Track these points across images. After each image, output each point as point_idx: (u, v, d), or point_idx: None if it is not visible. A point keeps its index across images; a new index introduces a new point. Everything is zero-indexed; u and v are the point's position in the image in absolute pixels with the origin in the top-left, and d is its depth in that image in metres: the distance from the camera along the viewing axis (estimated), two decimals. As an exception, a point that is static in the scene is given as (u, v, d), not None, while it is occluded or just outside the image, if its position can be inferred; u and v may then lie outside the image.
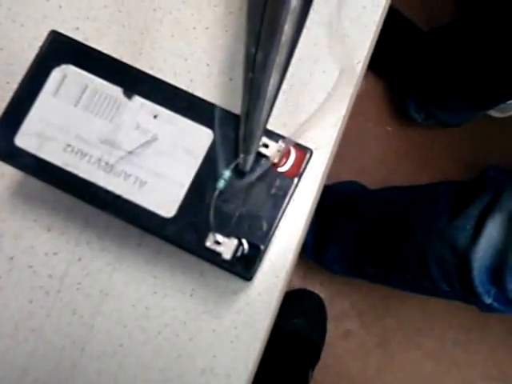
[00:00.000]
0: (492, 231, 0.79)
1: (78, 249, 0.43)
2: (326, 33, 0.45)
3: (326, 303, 1.22)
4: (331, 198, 1.16)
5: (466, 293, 0.84)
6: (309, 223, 0.43)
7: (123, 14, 0.45)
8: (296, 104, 0.43)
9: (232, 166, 0.33)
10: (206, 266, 0.42)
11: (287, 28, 0.32)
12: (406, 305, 1.23)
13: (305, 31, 0.41)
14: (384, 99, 1.32)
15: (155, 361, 0.42)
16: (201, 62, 0.44)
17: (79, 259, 0.43)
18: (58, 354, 0.42)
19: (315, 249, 1.15)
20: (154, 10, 0.46)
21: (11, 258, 0.43)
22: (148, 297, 0.42)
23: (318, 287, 1.24)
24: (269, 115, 0.33)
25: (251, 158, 0.33)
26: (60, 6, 0.46)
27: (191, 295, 0.42)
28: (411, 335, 1.22)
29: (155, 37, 0.45)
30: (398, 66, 1.28)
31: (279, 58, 0.32)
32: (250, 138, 0.33)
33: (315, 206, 0.44)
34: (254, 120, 0.33)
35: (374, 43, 0.45)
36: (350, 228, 1.09)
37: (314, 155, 0.41)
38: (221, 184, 0.33)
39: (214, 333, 0.42)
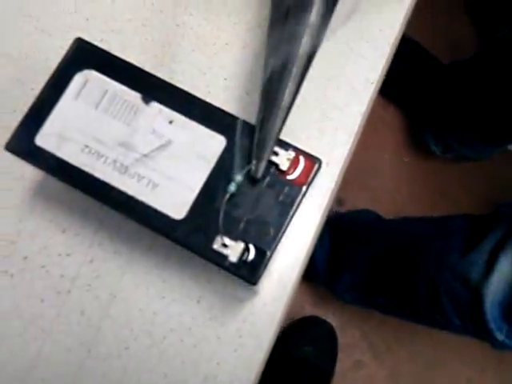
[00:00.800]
0: (504, 266, 0.79)
1: (90, 250, 0.44)
2: (342, 52, 0.46)
3: (337, 332, 1.21)
4: (346, 225, 1.17)
5: (477, 328, 0.83)
6: (317, 238, 0.44)
7: (147, 27, 0.47)
8: (309, 120, 0.45)
9: (244, 171, 0.34)
10: (214, 273, 0.43)
11: (305, 41, 0.33)
12: (418, 337, 1.21)
13: (321, 49, 0.43)
14: (403, 130, 1.33)
15: (159, 366, 0.42)
16: (219, 76, 0.46)
17: (91, 261, 0.44)
18: (65, 354, 0.43)
19: (328, 276, 1.15)
20: (177, 25, 0.47)
21: (25, 258, 0.44)
22: (156, 301, 0.43)
23: (330, 316, 1.23)
24: (283, 124, 0.35)
25: (263, 164, 0.34)
26: (87, 19, 0.48)
27: (198, 301, 0.43)
28: (422, 369, 1.20)
29: (176, 50, 0.46)
30: (418, 98, 1.29)
31: (296, 70, 0.33)
32: (263, 145, 0.34)
33: (324, 220, 0.44)
34: (268, 128, 0.34)
35: (387, 65, 0.46)
36: (363, 257, 1.09)
37: (324, 170, 0.43)
38: (232, 187, 0.34)
39: (219, 340, 0.42)
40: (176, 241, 0.35)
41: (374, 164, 1.30)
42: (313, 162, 0.36)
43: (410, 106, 1.32)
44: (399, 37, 0.47)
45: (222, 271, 0.40)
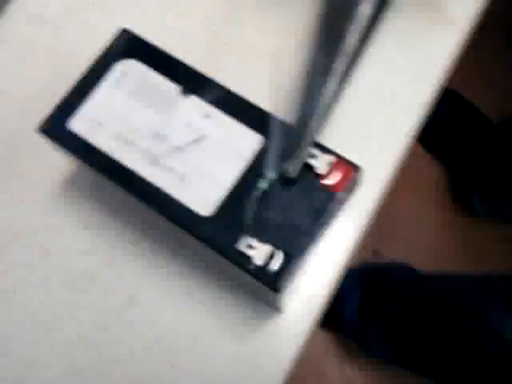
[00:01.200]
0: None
1: (112, 251, 0.42)
2: (393, 72, 0.44)
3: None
4: (379, 277, 1.13)
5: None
6: (349, 260, 0.41)
7: (196, 30, 0.47)
8: (352, 137, 0.43)
9: (278, 169, 0.32)
10: (239, 286, 0.41)
11: (353, 37, 0.32)
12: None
13: (371, 68, 0.42)
14: (448, 187, 1.30)
15: (168, 376, 0.40)
16: (262, 85, 0.45)
17: (112, 261, 0.42)
18: (72, 354, 0.41)
19: (357, 328, 1.10)
20: (227, 31, 0.47)
21: (46, 251, 0.43)
22: (174, 309, 0.41)
23: (356, 371, 1.18)
24: (322, 123, 0.33)
25: (298, 164, 0.32)
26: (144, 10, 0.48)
27: (218, 314, 0.40)
28: None
29: (223, 56, 0.46)
30: (465, 157, 1.26)
31: (341, 67, 0.32)
32: (299, 144, 0.32)
33: (358, 243, 0.42)
34: (306, 126, 0.32)
35: (439, 88, 0.44)
36: (395, 311, 1.05)
37: (364, 191, 0.40)
38: (263, 184, 0.32)
39: (235, 358, 0.40)
40: (200, 238, 0.33)
41: (415, 218, 1.27)
42: (352, 169, 0.33)
43: (455, 164, 1.30)
44: (453, 61, 0.45)
45: (246, 285, 0.39)
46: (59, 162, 0.44)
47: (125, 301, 0.41)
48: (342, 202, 0.33)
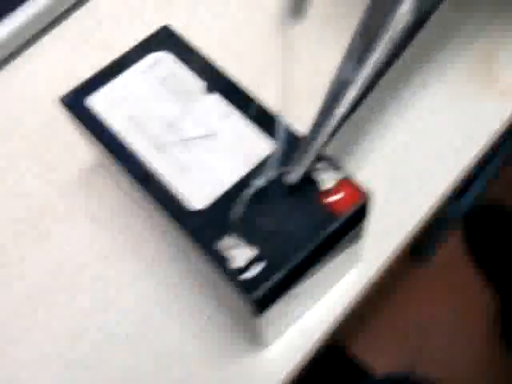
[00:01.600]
0: None
1: (110, 247, 0.41)
2: (432, 135, 0.43)
3: None
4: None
5: None
6: (348, 308, 0.38)
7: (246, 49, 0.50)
8: (383, 179, 0.41)
9: (279, 170, 0.31)
10: (223, 309, 0.38)
11: (382, 50, 0.31)
12: None
13: (408, 129, 0.40)
14: (497, 317, 1.22)
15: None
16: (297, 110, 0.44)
17: (106, 257, 0.41)
18: (47, 341, 0.39)
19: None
20: (277, 57, 0.47)
21: (44, 231, 0.42)
22: (153, 320, 0.38)
23: None
24: (333, 133, 0.31)
25: (300, 171, 0.30)
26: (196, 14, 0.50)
27: (199, 334, 0.38)
28: None
29: (266, 77, 0.45)
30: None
31: (364, 76, 0.31)
32: (305, 150, 0.30)
33: (362, 292, 0.39)
34: (315, 133, 0.31)
35: (480, 156, 0.42)
36: None
37: (379, 237, 0.38)
38: (259, 182, 0.30)
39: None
40: (184, 228, 0.31)
41: (460, 346, 1.19)
42: (359, 193, 0.31)
43: (506, 293, 1.22)
44: (501, 132, 0.43)
45: (233, 309, 0.36)
46: (78, 152, 0.44)
47: (106, 299, 0.39)
48: (341, 225, 0.31)
